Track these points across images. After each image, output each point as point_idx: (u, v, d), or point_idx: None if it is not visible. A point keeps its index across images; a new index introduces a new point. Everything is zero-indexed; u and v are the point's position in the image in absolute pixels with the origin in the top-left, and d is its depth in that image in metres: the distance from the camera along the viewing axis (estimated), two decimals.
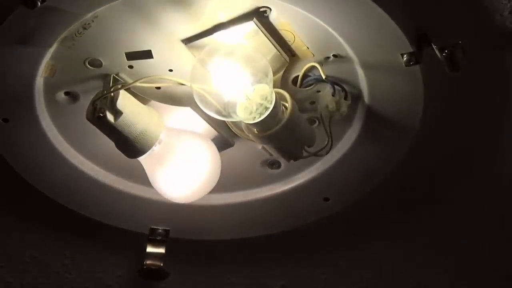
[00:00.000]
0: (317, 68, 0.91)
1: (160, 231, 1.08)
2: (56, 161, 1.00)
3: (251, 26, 0.87)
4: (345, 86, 0.92)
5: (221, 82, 0.86)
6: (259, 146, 0.92)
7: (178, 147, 0.93)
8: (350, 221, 1.10)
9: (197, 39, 0.88)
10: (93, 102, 0.88)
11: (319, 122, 0.95)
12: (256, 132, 0.88)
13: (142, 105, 0.92)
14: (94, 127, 0.89)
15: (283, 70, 0.93)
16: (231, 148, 0.99)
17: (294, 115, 0.87)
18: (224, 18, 0.87)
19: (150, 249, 1.07)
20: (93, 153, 1.01)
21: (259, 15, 0.86)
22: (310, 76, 0.93)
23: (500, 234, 1.15)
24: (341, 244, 1.18)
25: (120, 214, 1.08)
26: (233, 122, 0.94)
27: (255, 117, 0.86)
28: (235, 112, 0.87)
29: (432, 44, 0.87)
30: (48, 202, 1.06)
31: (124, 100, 0.89)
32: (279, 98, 0.87)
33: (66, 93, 0.94)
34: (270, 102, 0.86)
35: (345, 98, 0.92)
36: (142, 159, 0.91)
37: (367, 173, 1.03)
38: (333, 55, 0.91)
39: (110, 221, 1.09)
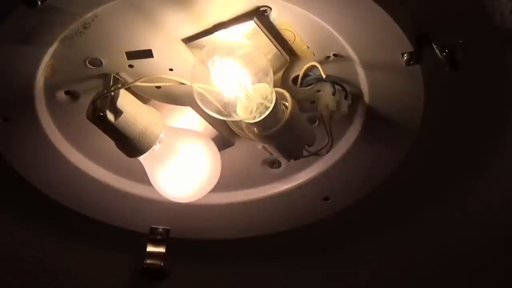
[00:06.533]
0: (318, 68, 0.91)
1: (160, 230, 1.08)
2: (56, 161, 1.00)
3: (251, 25, 0.87)
4: (345, 86, 0.92)
5: (221, 81, 0.86)
6: (260, 146, 0.92)
7: (179, 146, 0.93)
8: (350, 221, 1.10)
9: (198, 38, 0.88)
10: (94, 102, 0.89)
11: (319, 122, 0.95)
12: (257, 131, 0.88)
13: (142, 104, 0.92)
14: (95, 126, 0.89)
15: (283, 70, 0.93)
16: (231, 147, 1.00)
17: (294, 114, 0.87)
18: (224, 17, 0.87)
19: (150, 248, 1.07)
20: (94, 152, 1.01)
21: (260, 14, 0.86)
22: (310, 75, 0.93)
23: (502, 233, 1.15)
24: (341, 244, 1.18)
25: (120, 213, 1.08)
26: (233, 122, 0.94)
27: (255, 117, 0.86)
28: (235, 112, 0.87)
29: (433, 44, 0.87)
30: (48, 202, 1.05)
31: (124, 100, 0.89)
32: (280, 97, 0.87)
33: (67, 93, 0.94)
34: (270, 102, 0.86)
35: (345, 98, 0.93)
36: (142, 158, 0.91)
37: (367, 172, 1.03)
38: (334, 55, 0.91)
39: (110, 221, 1.09)
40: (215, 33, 0.88)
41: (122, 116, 0.87)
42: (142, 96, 0.92)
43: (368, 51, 0.89)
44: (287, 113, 0.87)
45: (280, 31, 0.89)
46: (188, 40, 0.89)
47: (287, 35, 0.89)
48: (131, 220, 1.09)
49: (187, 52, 0.90)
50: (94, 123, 0.88)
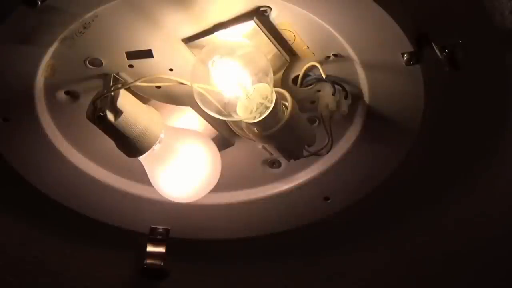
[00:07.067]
0: (318, 68, 0.91)
1: (160, 230, 1.08)
2: (56, 161, 1.00)
3: (251, 25, 0.87)
4: (345, 86, 0.92)
5: (221, 81, 0.86)
6: (260, 146, 0.92)
7: (179, 146, 0.93)
8: (350, 221, 1.10)
9: (198, 38, 0.88)
10: (94, 102, 0.89)
11: (319, 122, 0.95)
12: (257, 131, 0.88)
13: (142, 104, 0.92)
14: (95, 126, 0.89)
15: (283, 70, 0.93)
16: (231, 147, 1.00)
17: (294, 114, 0.87)
18: (224, 17, 0.87)
19: (150, 248, 1.07)
20: (94, 152, 1.01)
21: (260, 14, 0.86)
22: (310, 75, 0.93)
23: (502, 233, 1.15)
24: (341, 244, 1.18)
25: (120, 213, 1.08)
26: (233, 122, 0.94)
27: (255, 117, 0.86)
28: (235, 112, 0.87)
29: (433, 44, 0.87)
30: (48, 202, 1.05)
31: (125, 100, 0.89)
32: (280, 97, 0.87)
33: (67, 93, 0.94)
34: (270, 102, 0.86)
35: (345, 98, 0.93)
36: (142, 158, 0.91)
37: (367, 172, 1.03)
38: (334, 55, 0.91)
39: (110, 221, 1.09)
40: (215, 33, 0.88)
41: (122, 116, 0.87)
42: (142, 96, 0.92)
43: (368, 51, 0.89)
44: (287, 113, 0.87)
45: (280, 31, 0.89)
46: (188, 40, 0.89)
47: (287, 35, 0.89)
48: (131, 220, 1.09)
49: (187, 52, 0.90)
50: (94, 123, 0.88)
